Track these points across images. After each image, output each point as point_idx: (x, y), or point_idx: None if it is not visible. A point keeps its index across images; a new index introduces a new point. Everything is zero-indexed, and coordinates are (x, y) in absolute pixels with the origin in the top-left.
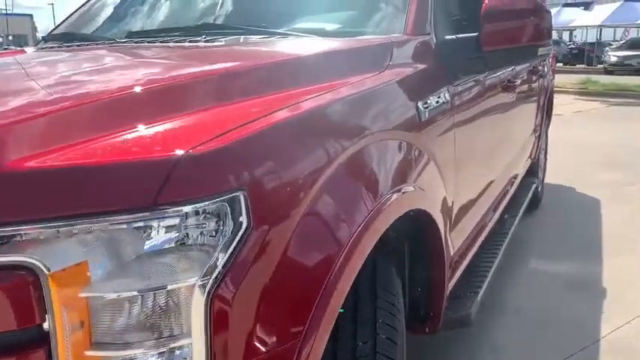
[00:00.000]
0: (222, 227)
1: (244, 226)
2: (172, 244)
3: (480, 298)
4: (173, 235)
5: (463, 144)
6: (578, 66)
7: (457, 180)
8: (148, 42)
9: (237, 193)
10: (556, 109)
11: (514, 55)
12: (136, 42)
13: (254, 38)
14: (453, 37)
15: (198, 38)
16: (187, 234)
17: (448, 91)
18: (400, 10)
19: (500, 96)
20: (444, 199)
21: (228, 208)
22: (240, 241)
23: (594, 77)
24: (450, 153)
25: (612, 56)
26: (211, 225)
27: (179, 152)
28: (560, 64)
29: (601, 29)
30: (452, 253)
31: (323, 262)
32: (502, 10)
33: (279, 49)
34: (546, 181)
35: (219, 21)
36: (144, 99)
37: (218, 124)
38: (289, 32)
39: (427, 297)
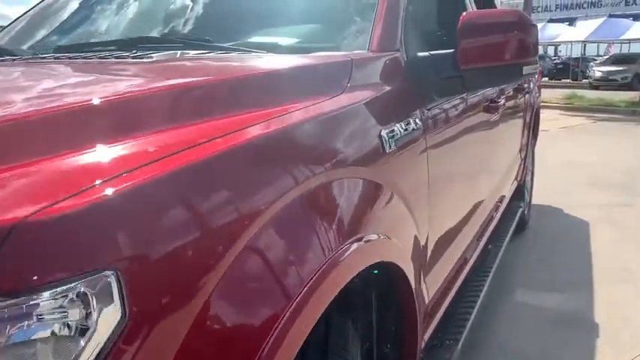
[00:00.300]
0: (82, 321)
1: (116, 318)
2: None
3: (460, 346)
4: (17, 330)
5: (439, 174)
6: (563, 81)
7: (432, 216)
8: (70, 57)
9: (105, 274)
10: (542, 125)
11: (496, 75)
12: (56, 57)
13: (192, 53)
14: (427, 53)
15: (126, 54)
16: (35, 330)
17: (420, 116)
18: (365, 24)
19: (482, 117)
20: (416, 242)
21: (90, 295)
22: (109, 340)
23: (580, 92)
24: (422, 187)
25: (597, 71)
26: (69, 318)
27: (14, 219)
28: (546, 79)
29: (585, 44)
30: (427, 302)
31: (246, 350)
32: (482, 23)
33: (215, 68)
34: (533, 201)
35: (158, 34)
36: (12, 132)
37: (98, 171)
38: (234, 47)
39: (398, 354)
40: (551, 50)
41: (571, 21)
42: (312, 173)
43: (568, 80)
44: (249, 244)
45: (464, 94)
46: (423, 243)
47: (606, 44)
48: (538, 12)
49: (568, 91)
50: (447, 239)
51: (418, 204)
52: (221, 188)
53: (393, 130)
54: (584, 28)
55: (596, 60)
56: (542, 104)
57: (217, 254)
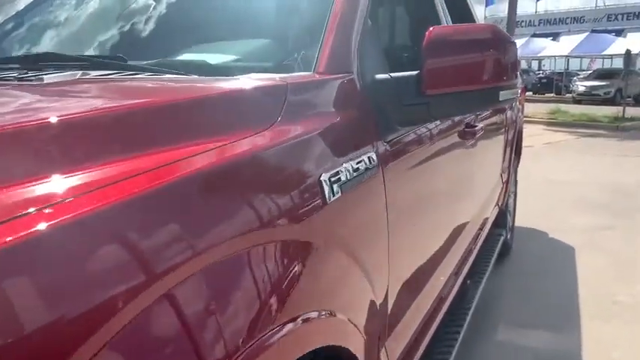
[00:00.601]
0: None
1: None
2: None
3: None
4: None
5: (402, 217)
6: (547, 95)
7: (394, 268)
8: None
9: None
10: (526, 141)
11: (467, 101)
12: None
13: (93, 74)
14: (387, 76)
15: (14, 74)
16: None
17: (377, 150)
18: (311, 41)
19: (456, 145)
20: (372, 308)
21: None
22: None
23: (563, 107)
24: (379, 236)
25: (580, 86)
26: None
27: None
28: (530, 93)
29: (568, 59)
30: None
31: None
32: (451, 40)
33: (106, 95)
34: (517, 223)
35: (69, 49)
36: None
37: None
38: (149, 67)
39: None
40: (535, 64)
41: (554, 36)
42: (219, 239)
43: (552, 94)
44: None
45: (432, 123)
46: (380, 303)
47: (589, 59)
48: (522, 26)
49: (552, 106)
50: (414, 287)
51: (374, 258)
52: (101, 258)
53: (337, 173)
54: (568, 42)
55: (579, 74)
56: (526, 119)
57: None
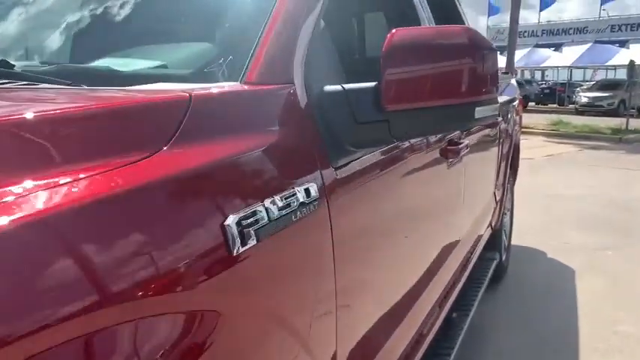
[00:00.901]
0: None
1: None
2: None
3: None
4: None
5: (357, 256)
6: (549, 105)
7: (347, 320)
8: None
9: None
10: (526, 153)
11: (435, 119)
12: None
13: None
14: (338, 87)
15: None
16: None
17: (321, 179)
18: (243, 44)
19: (436, 165)
20: None
21: None
22: None
23: (566, 118)
24: (323, 287)
25: (583, 97)
26: None
27: None
28: (533, 104)
29: (571, 70)
30: None
31: None
32: (417, 45)
33: None
34: (514, 241)
35: None
36: None
37: None
38: (32, 74)
39: None
40: (538, 75)
41: (557, 46)
42: (79, 309)
43: (554, 105)
44: None
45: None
46: None
47: (592, 70)
48: (525, 37)
49: (554, 117)
50: (383, 331)
51: (313, 319)
52: None
53: (253, 214)
54: (571, 53)
55: (582, 85)
56: (527, 130)
57: None
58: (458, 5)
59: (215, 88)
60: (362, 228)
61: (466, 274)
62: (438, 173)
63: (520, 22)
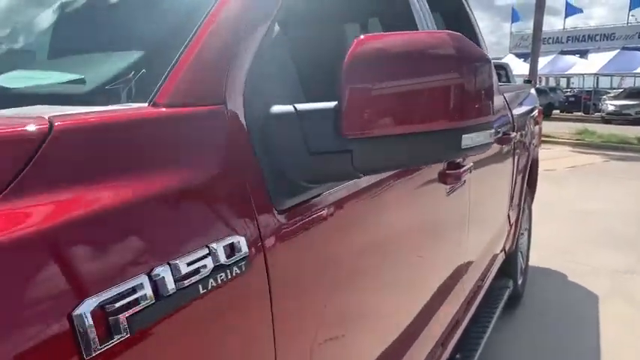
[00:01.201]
0: None
1: None
2: None
3: None
4: None
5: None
6: (574, 113)
7: None
8: None
9: None
10: (548, 163)
11: (414, 149)
12: None
13: None
14: (290, 108)
15: None
16: None
17: (254, 230)
18: (159, 56)
19: (426, 198)
20: None
21: None
22: None
23: (591, 127)
24: None
25: (610, 105)
26: None
27: None
28: (557, 112)
29: (597, 77)
30: None
31: None
32: (388, 56)
33: None
34: (531, 262)
35: None
36: None
37: None
38: None
39: None
40: (563, 82)
41: (582, 53)
42: None
43: (580, 113)
44: None
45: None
46: None
47: (619, 77)
48: (549, 43)
49: (579, 125)
50: None
51: None
52: None
53: (129, 293)
54: (597, 60)
55: (609, 93)
56: (550, 139)
57: None
58: (468, 10)
59: (101, 112)
60: (317, 293)
61: (472, 310)
62: (432, 203)
63: (544, 28)
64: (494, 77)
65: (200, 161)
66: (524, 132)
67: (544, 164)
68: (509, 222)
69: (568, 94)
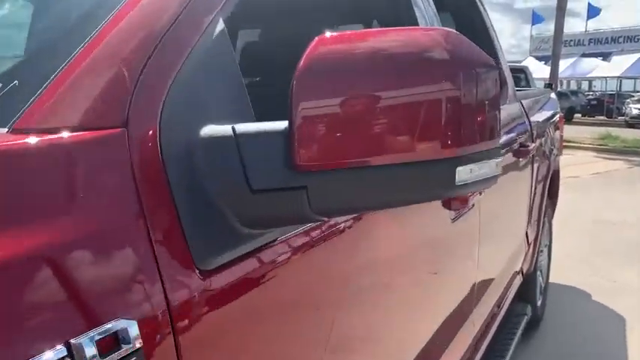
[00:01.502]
0: None
1: None
2: None
3: None
4: None
5: None
6: (597, 117)
7: None
8: None
9: None
10: (570, 170)
11: (390, 184)
12: None
13: None
14: (226, 131)
15: None
16: None
17: (157, 307)
18: (34, 69)
19: (423, 228)
20: None
21: None
22: None
23: (615, 131)
24: None
25: (634, 109)
26: None
27: None
28: (579, 115)
29: (621, 80)
30: None
31: None
32: (356, 62)
33: None
34: (551, 278)
35: None
36: None
37: None
38: None
39: None
40: (584, 85)
41: (605, 56)
42: None
43: (602, 117)
44: None
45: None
46: None
47: None
48: (570, 46)
49: (602, 130)
50: None
51: None
52: None
53: None
54: (620, 63)
55: (632, 96)
56: (572, 145)
57: None
58: (481, 9)
59: None
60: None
61: (485, 343)
62: (434, 233)
63: (565, 30)
64: (511, 82)
65: (72, 208)
66: (543, 140)
67: (566, 171)
68: (527, 241)
69: (590, 97)
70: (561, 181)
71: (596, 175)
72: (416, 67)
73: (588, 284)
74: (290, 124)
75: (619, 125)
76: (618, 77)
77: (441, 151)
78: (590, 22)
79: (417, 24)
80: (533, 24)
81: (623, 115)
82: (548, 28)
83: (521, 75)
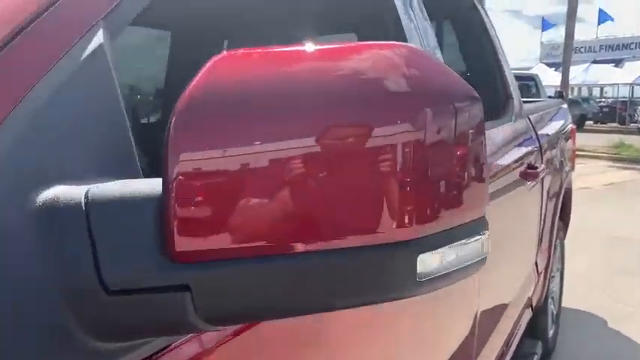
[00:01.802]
0: None
1: None
2: None
3: None
4: None
5: None
6: (609, 125)
7: None
8: None
9: None
10: (582, 181)
11: (316, 283)
12: None
13: None
14: (78, 194)
15: None
16: None
17: None
18: None
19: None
20: None
21: None
22: None
23: (627, 139)
24: None
25: None
26: None
27: None
28: (590, 123)
29: (633, 87)
30: None
31: None
32: (267, 89)
33: None
34: (564, 302)
35: None
36: None
37: None
38: None
39: None
40: (596, 92)
41: (617, 62)
42: None
43: (615, 124)
44: None
45: None
46: None
47: None
48: (581, 52)
49: (615, 138)
50: None
51: None
52: None
53: None
54: (633, 69)
55: None
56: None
57: None
58: (483, 15)
59: None
60: None
61: None
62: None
63: (576, 37)
64: (517, 95)
65: None
66: (554, 157)
67: (577, 182)
68: (537, 270)
69: (602, 104)
70: (573, 192)
71: (610, 185)
72: (357, 101)
73: (604, 309)
74: (164, 186)
75: (631, 133)
76: (630, 84)
77: (392, 232)
78: (600, 28)
79: (404, 36)
80: (543, 30)
81: (635, 122)
82: (560, 34)
83: (530, 83)
